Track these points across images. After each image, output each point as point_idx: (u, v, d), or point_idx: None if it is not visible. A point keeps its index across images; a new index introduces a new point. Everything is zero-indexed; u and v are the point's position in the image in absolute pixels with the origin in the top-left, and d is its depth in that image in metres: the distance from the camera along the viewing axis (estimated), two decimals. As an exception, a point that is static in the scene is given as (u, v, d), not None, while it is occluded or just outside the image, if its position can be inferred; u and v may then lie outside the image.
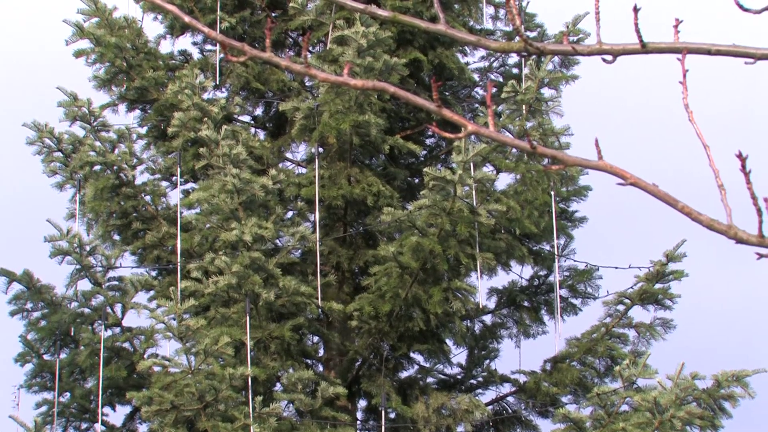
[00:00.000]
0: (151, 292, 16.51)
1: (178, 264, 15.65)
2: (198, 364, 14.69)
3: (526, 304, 17.22)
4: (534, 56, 16.33)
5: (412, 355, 16.83)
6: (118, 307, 16.68)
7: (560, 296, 16.75)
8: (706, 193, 3.29)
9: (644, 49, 3.35)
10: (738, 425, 15.74)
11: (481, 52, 17.72)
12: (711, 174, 3.26)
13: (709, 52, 3.40)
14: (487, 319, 17.22)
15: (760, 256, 3.29)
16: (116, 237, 16.85)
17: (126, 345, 16.46)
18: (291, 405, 15.43)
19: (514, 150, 16.07)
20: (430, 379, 16.96)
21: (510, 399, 17.13)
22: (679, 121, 3.42)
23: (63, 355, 16.37)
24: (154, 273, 16.77)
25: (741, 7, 3.28)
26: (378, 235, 16.06)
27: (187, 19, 3.99)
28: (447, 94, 17.25)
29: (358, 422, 16.19)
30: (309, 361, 16.16)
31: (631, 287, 16.71)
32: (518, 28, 3.63)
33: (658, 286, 16.64)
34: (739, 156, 3.17)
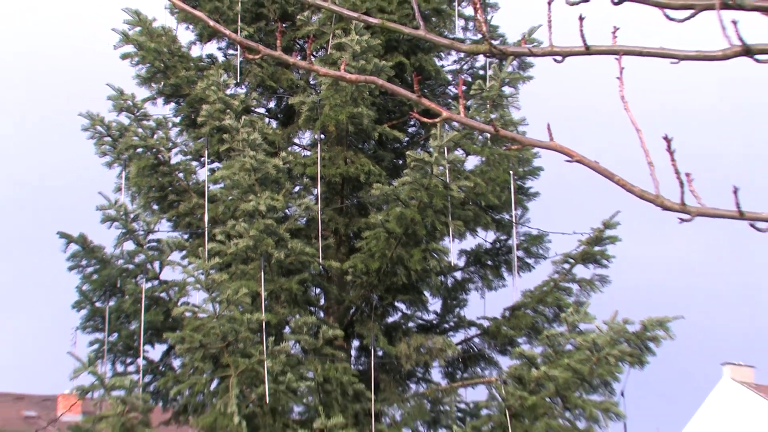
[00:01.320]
0: (183, 252, 16.61)
1: (206, 229, 15.72)
2: (221, 311, 14.74)
3: (489, 263, 17.33)
4: (497, 60, 16.46)
5: (396, 304, 16.94)
6: (156, 264, 16.84)
7: (517, 257, 16.83)
8: (639, 171, 3.27)
9: (588, 51, 3.34)
10: (660, 361, 15.81)
11: (454, 56, 17.87)
12: (642, 153, 3.25)
13: (641, 54, 3.39)
14: (458, 275, 17.31)
15: (682, 220, 3.28)
16: (155, 206, 16.97)
17: (163, 295, 16.57)
18: (297, 344, 15.47)
19: (480, 137, 16.18)
20: (410, 324, 17.02)
21: (476, 340, 17.20)
22: (618, 111, 3.40)
23: (111, 303, 16.48)
24: (185, 236, 16.86)
25: (667, 17, 3.26)
26: (369, 206, 16.12)
27: (212, 23, 4.00)
28: (425, 90, 17.32)
29: (352, 359, 16.23)
30: (312, 309, 16.25)
31: (575, 249, 16.94)
32: (484, 33, 3.62)
33: (596, 248, 16.83)
34: (665, 138, 3.16)
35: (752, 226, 3.35)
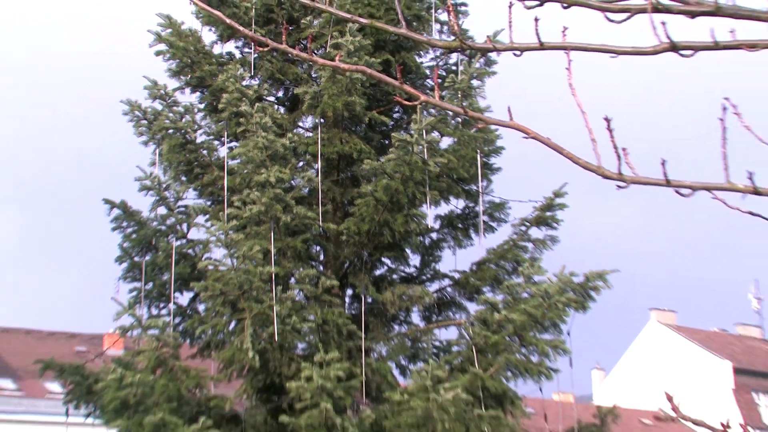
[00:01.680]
0: (207, 216, 16.63)
1: (225, 197, 15.72)
2: (238, 264, 14.77)
3: (459, 225, 17.37)
4: (467, 57, 16.45)
5: (382, 259, 16.95)
6: (184, 226, 16.98)
7: (482, 221, 16.85)
8: (584, 147, 3.26)
9: (542, 46, 3.33)
10: (599, 306, 15.90)
11: (432, 54, 17.87)
12: (587, 132, 3.24)
13: (585, 49, 3.38)
14: (434, 235, 17.33)
15: (619, 187, 3.28)
16: (183, 178, 17.00)
17: (189, 251, 16.64)
18: (301, 292, 15.48)
19: (452, 122, 16.25)
20: (394, 276, 17.04)
21: (448, 289, 17.22)
22: (567, 98, 3.39)
23: (147, 258, 16.54)
24: (208, 203, 16.92)
25: (608, 18, 3.26)
26: (360, 178, 16.14)
27: (228, 20, 4.00)
28: (407, 82, 17.21)
29: (346, 304, 16.25)
30: (313, 263, 16.30)
31: (530, 214, 17.06)
32: (456, 32, 3.59)
33: (548, 213, 16.93)
34: (606, 119, 3.16)
35: (677, 192, 3.35)
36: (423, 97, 3.58)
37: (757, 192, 3.32)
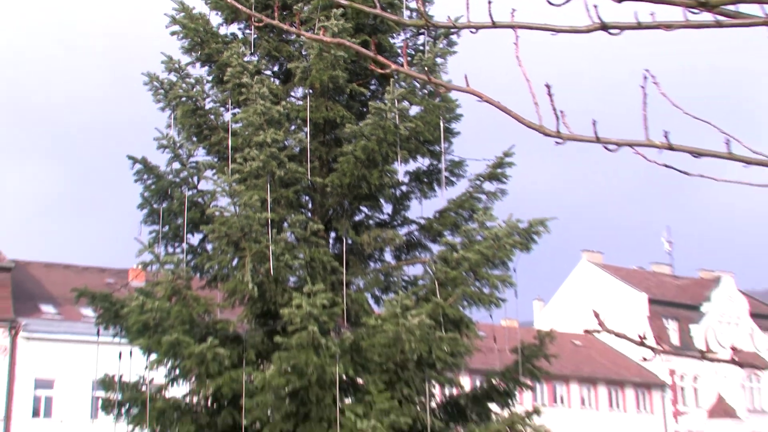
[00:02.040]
0: (214, 170, 16.59)
1: (229, 154, 15.68)
2: (240, 211, 14.77)
3: (425, 180, 17.35)
4: (431, 39, 16.45)
5: (361, 207, 16.95)
6: (195, 178, 16.91)
7: (444, 176, 16.76)
8: (528, 110, 3.24)
9: (494, 25, 3.30)
10: (540, 247, 16.01)
11: (402, 36, 17.75)
12: (530, 97, 3.22)
13: (530, 27, 3.35)
14: (404, 188, 17.28)
15: (557, 143, 3.26)
16: (194, 138, 16.97)
17: (199, 200, 16.62)
18: (292, 235, 15.47)
19: (420, 93, 16.22)
20: (371, 221, 17.07)
21: (415, 233, 17.23)
22: (517, 72, 3.37)
23: (164, 205, 16.47)
24: (215, 159, 16.84)
25: (549, 2, 3.23)
26: (342, 140, 16.08)
27: (231, 1, 4.00)
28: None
29: (330, 245, 16.21)
30: (302, 210, 16.23)
31: (484, 171, 17.07)
32: (422, 12, 3.56)
33: (498, 170, 16.92)
34: (546, 85, 3.13)
35: (605, 147, 3.34)
36: (394, 66, 3.56)
37: (671, 147, 3.32)
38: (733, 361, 3.48)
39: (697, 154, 3.34)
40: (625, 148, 3.40)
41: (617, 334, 3.34)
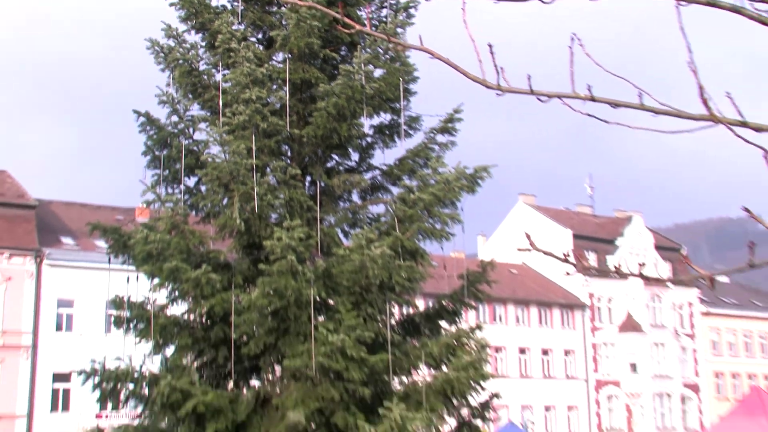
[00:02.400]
0: (207, 123, 16.47)
1: (220, 109, 15.51)
2: (229, 158, 14.67)
3: (387, 132, 17.24)
4: (393, 12, 16.31)
5: (332, 155, 16.85)
6: (191, 129, 16.74)
7: (403, 129, 16.71)
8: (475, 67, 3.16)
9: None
10: (484, 190, 15.98)
11: (368, 10, 17.53)
12: (475, 55, 3.15)
13: (475, -6, 3.28)
14: (369, 139, 17.17)
15: (498, 95, 3.20)
16: (189, 96, 16.78)
17: (195, 148, 16.44)
18: (274, 178, 15.40)
19: (383, 58, 16.08)
20: (341, 167, 16.95)
21: (378, 177, 17.15)
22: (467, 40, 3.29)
23: (164, 152, 16.33)
24: (208, 113, 16.67)
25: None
26: (317, 98, 15.90)
27: None
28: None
29: (306, 187, 16.13)
30: (282, 157, 16.10)
31: (437, 125, 16.95)
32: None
33: (449, 124, 16.83)
34: (489, 45, 3.05)
35: (538, 99, 3.28)
36: (358, 27, 3.48)
37: (593, 99, 3.29)
38: (641, 276, 3.46)
39: (614, 104, 3.34)
40: (555, 100, 3.36)
41: (545, 252, 3.31)
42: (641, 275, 3.51)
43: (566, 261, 3.33)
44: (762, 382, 68.36)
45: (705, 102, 3.14)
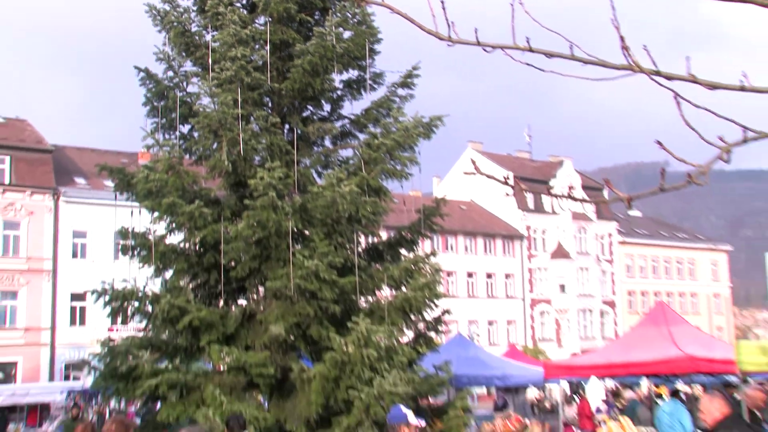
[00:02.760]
0: (198, 78, 16.16)
1: (209, 66, 15.22)
2: (218, 108, 14.46)
3: (355, 86, 16.96)
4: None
5: (307, 106, 16.67)
6: (184, 83, 16.45)
7: (369, 84, 16.49)
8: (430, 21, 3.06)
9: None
10: (438, 137, 15.92)
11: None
12: (429, 10, 3.04)
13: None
14: (339, 92, 16.89)
15: (448, 45, 3.10)
16: (183, 54, 16.39)
17: (188, 99, 16.09)
18: (257, 125, 15.16)
19: (351, 22, 15.88)
20: (315, 117, 16.72)
21: (347, 125, 16.95)
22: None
23: (162, 103, 16.01)
24: (200, 69, 16.32)
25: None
26: (294, 56, 15.60)
27: None
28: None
29: (284, 134, 15.89)
30: (264, 108, 15.82)
31: (398, 80, 16.65)
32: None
33: (408, 80, 16.60)
34: (441, 1, 2.94)
35: (483, 49, 3.18)
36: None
37: (531, 50, 3.19)
38: (570, 197, 3.41)
39: (549, 55, 3.24)
40: (498, 51, 3.27)
41: (488, 176, 3.24)
42: (570, 196, 3.45)
43: (506, 183, 3.27)
44: (665, 298, 69.78)
45: (626, 49, 3.06)
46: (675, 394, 18.38)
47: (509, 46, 3.19)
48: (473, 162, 3.24)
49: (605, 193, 72.15)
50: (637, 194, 3.22)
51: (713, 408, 7.30)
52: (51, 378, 42.10)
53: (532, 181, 68.51)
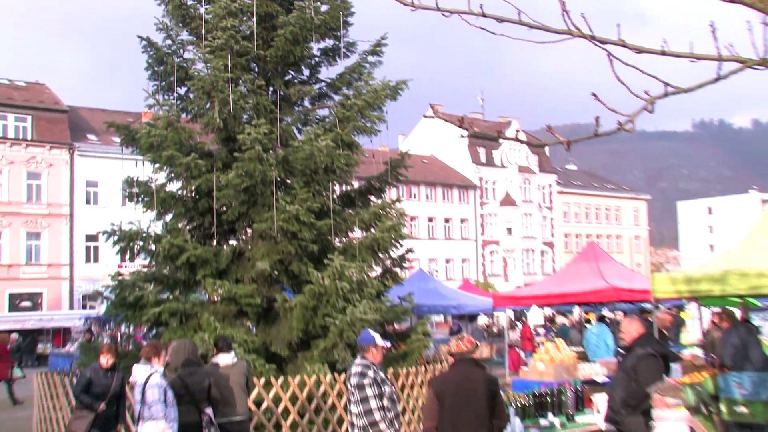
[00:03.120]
0: (193, 45, 15.71)
1: (203, 35, 14.86)
2: (210, 72, 14.09)
3: (330, 54, 16.54)
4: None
5: (289, 71, 16.24)
6: (182, 50, 15.92)
7: (343, 52, 16.15)
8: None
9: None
10: (403, 99, 15.68)
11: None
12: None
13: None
14: (317, 59, 16.48)
15: (411, 10, 2.94)
16: (180, 24, 15.88)
17: (184, 64, 15.64)
18: (245, 87, 14.80)
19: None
20: (296, 80, 16.30)
21: (324, 87, 16.53)
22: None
23: (161, 68, 15.53)
24: (195, 38, 15.79)
25: None
26: (277, 26, 15.18)
27: None
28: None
29: (269, 95, 15.52)
30: (251, 72, 15.44)
31: (368, 48, 16.23)
32: None
33: (377, 48, 16.22)
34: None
35: (443, 15, 3.03)
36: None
37: (484, 15, 3.05)
38: (516, 139, 3.31)
39: (499, 20, 3.11)
40: (455, 16, 3.12)
41: (446, 119, 3.12)
42: (516, 139, 3.36)
43: (461, 126, 3.17)
44: (595, 239, 70.54)
45: (567, 13, 2.94)
46: (601, 318, 18.70)
47: (465, 11, 3.04)
48: (432, 107, 3.11)
49: (547, 152, 72.38)
50: (575, 138, 3.14)
51: (632, 329, 7.54)
52: (71, 307, 42.58)
53: (483, 138, 68.41)
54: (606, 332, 16.61)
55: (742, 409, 9.39)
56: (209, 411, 8.72)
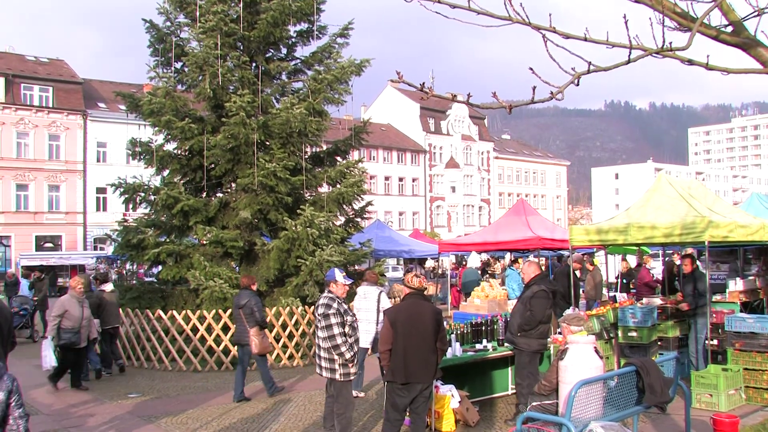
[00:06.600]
0: (189, 27, 15.20)
1: (197, 18, 14.33)
2: (203, 50, 13.64)
3: (306, 35, 16.07)
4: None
5: (270, 49, 15.76)
6: (179, 31, 15.36)
7: (316, 34, 15.75)
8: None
9: None
10: (367, 73, 15.38)
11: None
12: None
13: None
14: (293, 40, 16.02)
15: (406, 2, 2.77)
16: (177, 9, 15.28)
17: (180, 43, 15.16)
18: (232, 63, 14.42)
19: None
20: (275, 57, 15.87)
21: (299, 64, 16.05)
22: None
23: (161, 45, 15.02)
24: (190, 20, 15.25)
25: None
26: (260, 12, 14.73)
27: None
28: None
29: (252, 70, 15.04)
30: (238, 50, 14.95)
31: (337, 31, 15.78)
32: None
33: (345, 31, 15.79)
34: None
35: (404, 0, 2.89)
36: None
37: (439, 1, 2.93)
38: (468, 103, 3.23)
39: (452, 5, 3.01)
40: (415, 2, 3.00)
41: (409, 84, 3.01)
42: (467, 102, 3.28)
43: (422, 90, 3.07)
44: (524, 197, 71.11)
45: (509, 1, 2.83)
46: (515, 262, 19.18)
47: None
48: (397, 72, 2.99)
49: (485, 118, 72.44)
50: (516, 102, 3.08)
51: (530, 270, 8.07)
52: (84, 248, 42.85)
53: (434, 110, 68.11)
54: (517, 275, 16.85)
55: (633, 334, 9.81)
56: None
